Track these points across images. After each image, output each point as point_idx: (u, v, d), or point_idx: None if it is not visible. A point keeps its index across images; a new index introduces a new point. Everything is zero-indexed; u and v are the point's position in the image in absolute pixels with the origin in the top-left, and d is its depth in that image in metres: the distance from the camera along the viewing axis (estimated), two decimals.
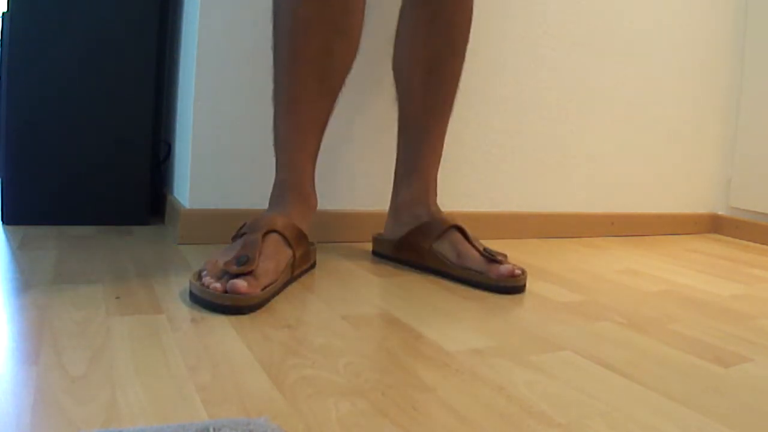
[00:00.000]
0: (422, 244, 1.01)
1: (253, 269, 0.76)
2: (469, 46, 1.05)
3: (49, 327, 0.64)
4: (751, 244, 1.67)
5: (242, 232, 0.86)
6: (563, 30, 1.46)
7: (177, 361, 0.58)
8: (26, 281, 0.79)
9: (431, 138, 1.06)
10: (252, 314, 0.73)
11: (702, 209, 1.79)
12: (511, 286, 0.92)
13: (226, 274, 0.76)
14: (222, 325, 0.69)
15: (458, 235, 1.00)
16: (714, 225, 1.81)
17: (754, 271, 1.26)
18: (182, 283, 0.84)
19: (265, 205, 1.16)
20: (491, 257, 0.95)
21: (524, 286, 0.94)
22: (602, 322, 0.82)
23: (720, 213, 1.82)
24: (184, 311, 0.72)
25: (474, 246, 0.98)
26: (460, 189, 1.36)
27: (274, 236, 0.84)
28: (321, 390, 0.54)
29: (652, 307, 0.91)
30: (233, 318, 0.71)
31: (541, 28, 1.42)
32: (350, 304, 0.81)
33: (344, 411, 0.51)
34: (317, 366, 0.59)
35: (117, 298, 0.75)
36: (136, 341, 0.62)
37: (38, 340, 0.60)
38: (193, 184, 1.11)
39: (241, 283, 0.73)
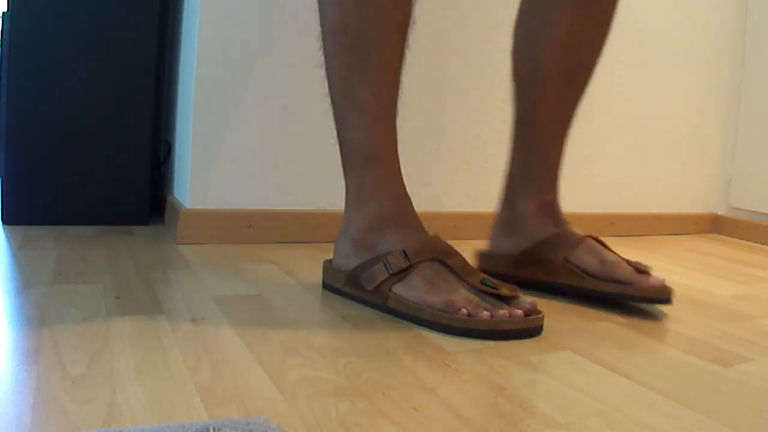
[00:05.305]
0: (553, 257, 0.91)
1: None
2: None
3: (49, 327, 0.64)
4: (751, 244, 1.67)
5: (419, 260, 0.77)
6: None
7: (177, 361, 0.58)
8: (26, 281, 0.79)
9: (561, 137, 0.94)
10: (252, 314, 0.73)
11: (702, 209, 1.79)
12: (663, 297, 0.85)
13: (501, 299, 0.74)
14: (222, 325, 0.69)
15: (597, 245, 0.91)
16: (714, 225, 1.81)
17: (754, 271, 1.26)
18: (182, 283, 0.84)
19: (265, 205, 1.17)
20: (640, 268, 0.87)
21: (670, 298, 0.86)
22: (602, 322, 0.82)
23: (720, 213, 1.82)
24: (184, 311, 0.72)
25: (618, 255, 0.90)
26: (460, 189, 1.36)
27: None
28: (321, 390, 0.54)
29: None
30: (233, 318, 0.71)
31: None
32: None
33: (344, 411, 0.51)
34: (317, 366, 0.59)
35: (117, 298, 0.75)
36: (136, 341, 0.62)
37: (38, 340, 0.60)
38: (193, 184, 1.11)
39: (530, 301, 0.75)
